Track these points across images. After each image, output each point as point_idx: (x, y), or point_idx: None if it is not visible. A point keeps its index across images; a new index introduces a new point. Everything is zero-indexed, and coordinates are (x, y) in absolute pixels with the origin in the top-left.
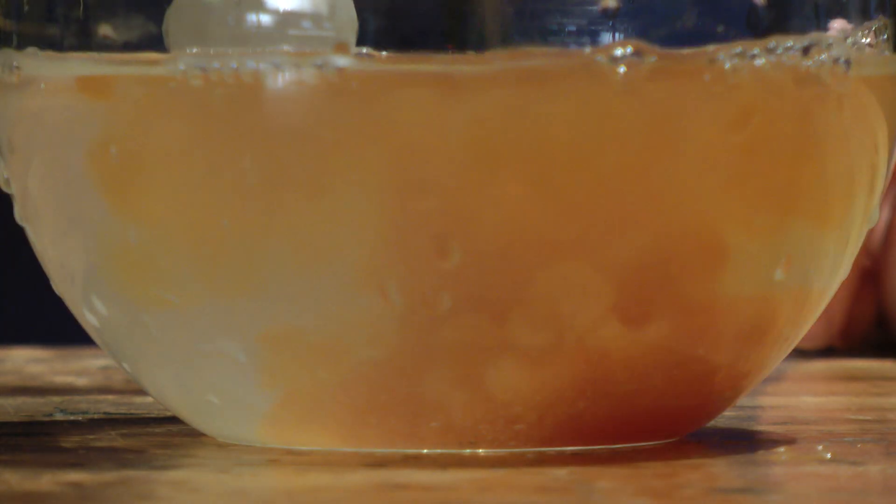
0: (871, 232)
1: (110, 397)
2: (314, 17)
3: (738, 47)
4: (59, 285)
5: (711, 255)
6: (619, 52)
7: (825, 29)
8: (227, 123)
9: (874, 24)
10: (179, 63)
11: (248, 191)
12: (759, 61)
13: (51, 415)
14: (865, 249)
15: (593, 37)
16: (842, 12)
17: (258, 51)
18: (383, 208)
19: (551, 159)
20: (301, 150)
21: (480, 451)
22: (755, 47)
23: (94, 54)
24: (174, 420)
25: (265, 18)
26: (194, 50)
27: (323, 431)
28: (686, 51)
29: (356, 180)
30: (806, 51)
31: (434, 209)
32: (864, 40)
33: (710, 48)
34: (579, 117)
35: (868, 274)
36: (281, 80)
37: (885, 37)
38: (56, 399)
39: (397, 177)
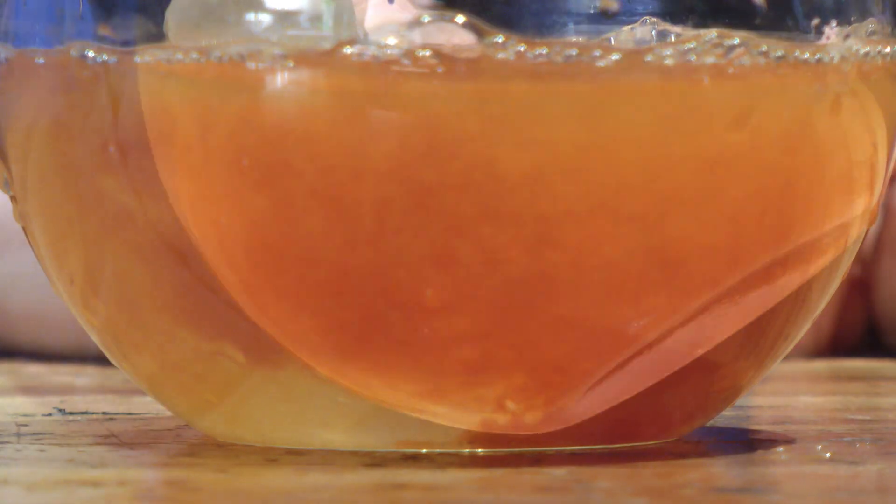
0: None
1: (110, 397)
2: (313, 16)
3: (737, 47)
4: (59, 285)
5: (710, 254)
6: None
7: (825, 28)
8: (228, 122)
9: (872, 24)
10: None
11: (246, 190)
12: (760, 60)
13: (50, 415)
14: (855, 258)
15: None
16: (841, 11)
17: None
18: (383, 210)
19: (555, 155)
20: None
21: (480, 451)
22: (754, 46)
23: (93, 53)
24: (174, 420)
25: (264, 17)
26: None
27: (323, 431)
28: (682, 49)
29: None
30: (806, 50)
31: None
32: (863, 40)
33: (708, 46)
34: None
35: (857, 283)
36: (280, 80)
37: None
38: (56, 399)
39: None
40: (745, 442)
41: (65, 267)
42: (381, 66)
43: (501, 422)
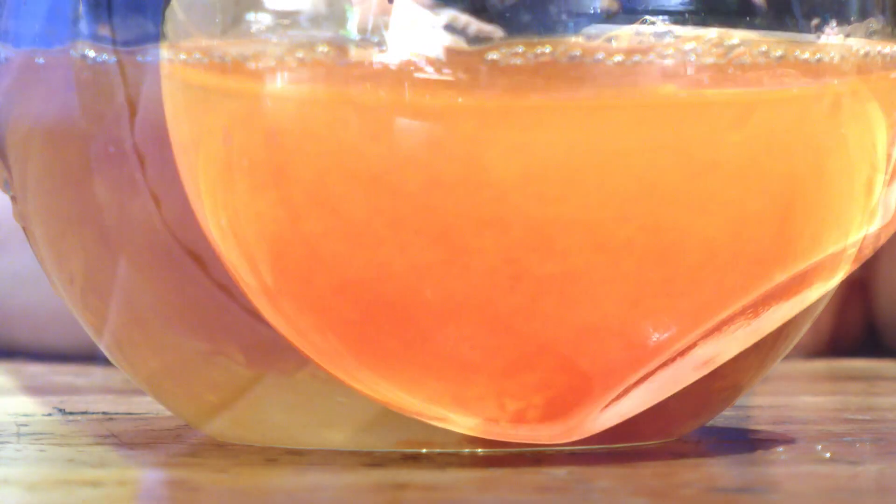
0: None
1: (110, 397)
2: (312, 15)
3: (737, 47)
4: (59, 285)
5: (710, 255)
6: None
7: (825, 28)
8: (228, 124)
9: (872, 24)
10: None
11: (245, 189)
12: (760, 60)
13: (50, 415)
14: None
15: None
16: (841, 11)
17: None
18: (404, 213)
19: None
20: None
21: (480, 450)
22: (754, 46)
23: (93, 53)
24: (174, 420)
25: (263, 16)
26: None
27: (323, 431)
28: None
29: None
30: (806, 50)
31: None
32: (863, 40)
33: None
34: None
35: (857, 283)
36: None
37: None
38: (56, 399)
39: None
40: (745, 442)
41: (65, 267)
42: (398, 73)
43: (521, 431)
